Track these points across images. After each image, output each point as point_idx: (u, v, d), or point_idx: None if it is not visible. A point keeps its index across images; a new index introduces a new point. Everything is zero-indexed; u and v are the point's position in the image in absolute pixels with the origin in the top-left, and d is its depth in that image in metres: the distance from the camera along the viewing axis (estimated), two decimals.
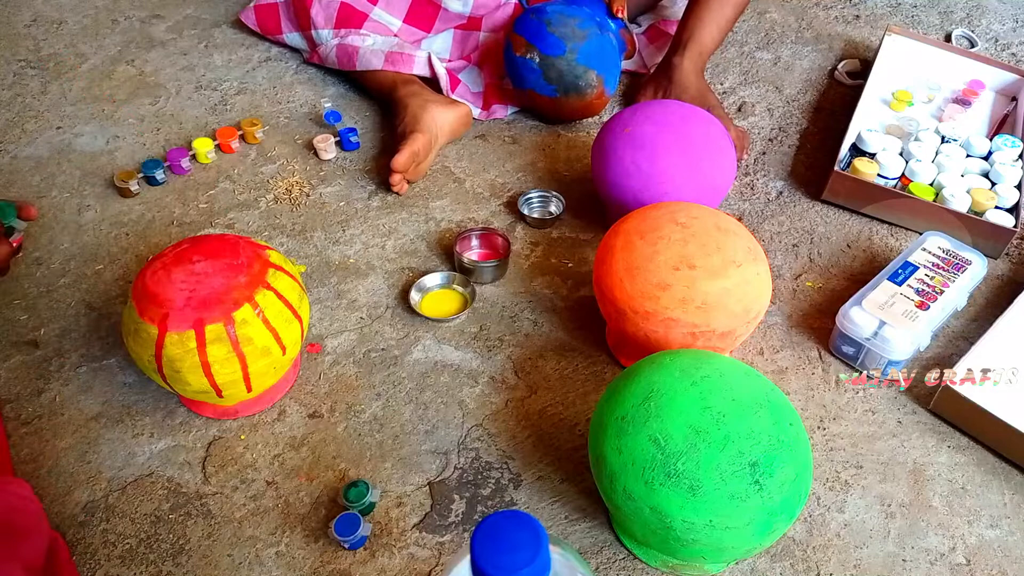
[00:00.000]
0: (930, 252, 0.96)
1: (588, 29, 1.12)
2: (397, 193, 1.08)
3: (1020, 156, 1.11)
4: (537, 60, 1.11)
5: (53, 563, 0.61)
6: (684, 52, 1.14)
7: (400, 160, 1.04)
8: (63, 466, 0.80)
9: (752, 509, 0.62)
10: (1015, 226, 1.01)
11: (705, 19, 1.16)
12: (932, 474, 0.82)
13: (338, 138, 1.14)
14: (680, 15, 1.23)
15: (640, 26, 1.34)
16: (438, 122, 1.11)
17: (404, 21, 1.24)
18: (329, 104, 1.20)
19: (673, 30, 1.25)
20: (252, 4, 1.30)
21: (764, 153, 1.19)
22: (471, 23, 1.24)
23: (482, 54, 1.25)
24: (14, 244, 0.91)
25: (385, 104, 1.21)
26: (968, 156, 1.11)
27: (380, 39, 1.21)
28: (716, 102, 1.14)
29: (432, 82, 1.19)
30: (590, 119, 1.21)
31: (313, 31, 1.24)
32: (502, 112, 1.21)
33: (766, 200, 1.11)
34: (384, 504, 0.77)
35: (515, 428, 0.84)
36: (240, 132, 1.15)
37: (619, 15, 1.17)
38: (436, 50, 1.23)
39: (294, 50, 1.31)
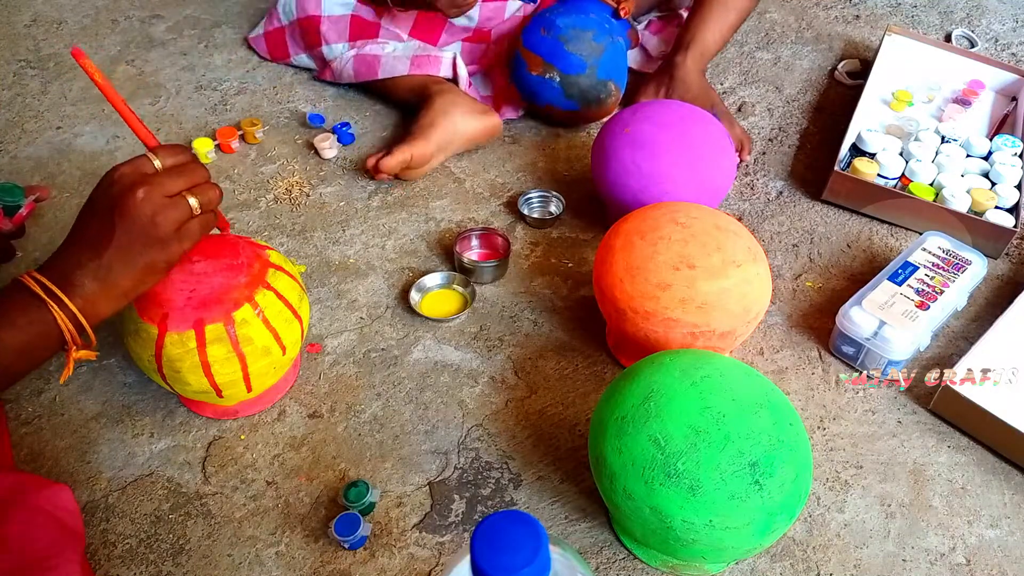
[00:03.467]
0: (930, 252, 0.96)
1: (603, 42, 1.11)
2: (373, 179, 1.08)
3: (1020, 155, 1.11)
4: (558, 79, 1.11)
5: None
6: (687, 52, 1.14)
7: (388, 163, 1.04)
8: (63, 466, 0.80)
9: (752, 509, 0.62)
10: (1015, 226, 1.01)
11: (708, 21, 1.16)
12: (932, 474, 0.82)
13: (336, 135, 1.14)
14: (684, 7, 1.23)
15: (642, 23, 1.34)
16: (457, 128, 1.10)
17: (410, 34, 1.22)
18: (311, 108, 1.20)
19: (677, 22, 1.25)
20: (261, 32, 1.28)
21: (764, 153, 1.19)
22: (478, 35, 1.23)
23: (492, 60, 1.25)
24: (16, 220, 0.94)
25: (406, 108, 1.19)
26: (968, 156, 1.11)
27: (400, 45, 1.20)
28: (719, 101, 1.14)
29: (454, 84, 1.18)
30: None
31: (325, 47, 1.21)
32: (513, 113, 1.21)
33: (766, 200, 1.11)
34: (384, 504, 0.77)
35: (515, 428, 0.84)
36: (240, 132, 1.15)
37: (624, 17, 1.17)
38: None
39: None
